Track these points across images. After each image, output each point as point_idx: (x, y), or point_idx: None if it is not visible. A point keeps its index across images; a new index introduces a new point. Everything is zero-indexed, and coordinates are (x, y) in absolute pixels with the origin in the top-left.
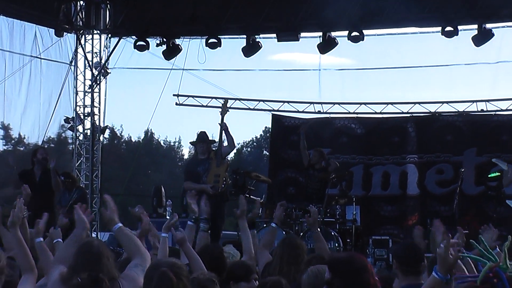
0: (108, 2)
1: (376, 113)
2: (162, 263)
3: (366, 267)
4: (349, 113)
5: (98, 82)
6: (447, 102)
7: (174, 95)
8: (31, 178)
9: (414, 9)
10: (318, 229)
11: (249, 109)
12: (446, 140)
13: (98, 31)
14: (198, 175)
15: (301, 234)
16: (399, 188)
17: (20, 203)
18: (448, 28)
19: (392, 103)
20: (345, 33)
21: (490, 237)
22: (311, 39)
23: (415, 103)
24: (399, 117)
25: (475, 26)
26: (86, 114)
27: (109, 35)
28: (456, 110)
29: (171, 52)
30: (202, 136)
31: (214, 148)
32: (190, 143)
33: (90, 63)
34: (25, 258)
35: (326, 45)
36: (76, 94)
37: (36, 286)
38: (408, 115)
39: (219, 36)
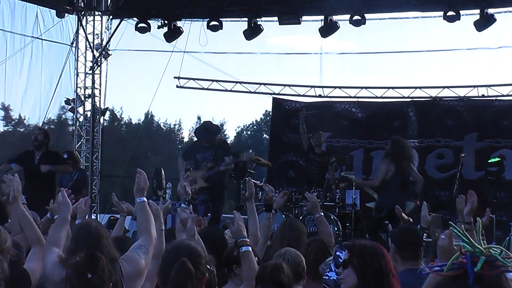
0: None
1: (377, 97)
2: (182, 248)
3: (384, 253)
4: (350, 97)
5: (99, 63)
6: (448, 87)
7: (175, 77)
8: (31, 160)
9: None
10: (321, 213)
11: (250, 92)
12: (447, 125)
13: (100, 13)
14: (196, 161)
15: (301, 217)
16: None
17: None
18: (450, 13)
19: (393, 88)
20: (347, 17)
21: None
22: (312, 22)
23: (416, 87)
24: (400, 101)
25: (477, 11)
26: (86, 95)
27: (111, 17)
28: (457, 95)
29: (173, 34)
30: (206, 125)
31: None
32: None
33: (91, 44)
34: (32, 231)
35: (328, 29)
36: (77, 75)
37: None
38: (409, 99)
39: (220, 19)
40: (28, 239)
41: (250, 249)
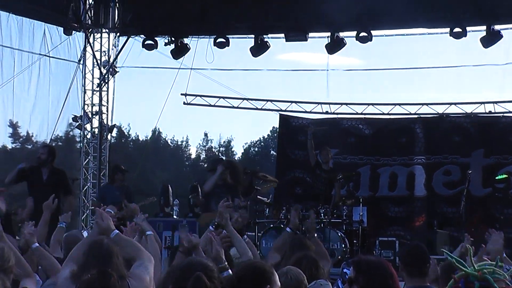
0: (117, 0)
1: (383, 114)
2: (195, 264)
3: (391, 272)
4: (357, 113)
5: (106, 80)
6: (455, 104)
7: (182, 94)
8: (38, 177)
9: (423, 10)
10: (315, 235)
11: (257, 109)
12: (454, 142)
13: (107, 30)
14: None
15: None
16: (406, 189)
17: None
18: (457, 29)
19: (400, 104)
20: (353, 33)
21: (496, 240)
22: (319, 39)
23: (423, 104)
24: (406, 118)
25: (484, 27)
26: (94, 112)
27: (118, 34)
28: (464, 112)
29: (180, 51)
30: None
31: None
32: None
33: (99, 61)
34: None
35: (334, 45)
36: (84, 92)
37: (44, 286)
38: (416, 116)
39: (227, 36)
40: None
41: (231, 272)
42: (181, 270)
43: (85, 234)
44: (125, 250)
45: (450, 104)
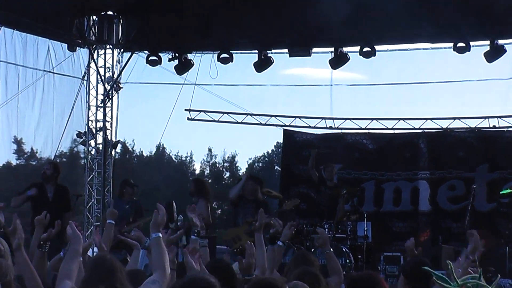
0: (121, 17)
1: (387, 128)
2: (198, 280)
3: (382, 286)
4: (361, 128)
5: (110, 96)
6: (459, 118)
7: (185, 110)
8: (43, 194)
9: (426, 25)
10: (330, 249)
11: (261, 124)
12: (458, 156)
13: (111, 46)
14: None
15: (312, 250)
16: (411, 204)
17: (18, 222)
18: (460, 44)
19: (404, 119)
20: (357, 48)
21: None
22: (322, 54)
23: (427, 119)
24: (410, 133)
25: (487, 42)
26: (98, 128)
27: (122, 50)
28: (468, 126)
29: (183, 67)
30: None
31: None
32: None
33: (103, 77)
34: (32, 279)
35: (338, 61)
36: (89, 108)
37: None
38: (420, 131)
39: (231, 51)
40: (27, 287)
41: None
42: (184, 286)
43: (90, 252)
44: (152, 256)
45: (454, 118)
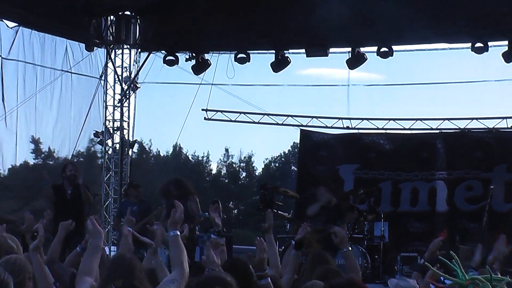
0: (138, 17)
1: (405, 129)
2: (214, 279)
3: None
4: (378, 128)
5: (127, 96)
6: (476, 119)
7: (202, 109)
8: (62, 194)
9: (444, 25)
10: (349, 248)
11: (278, 124)
12: (476, 157)
13: (128, 46)
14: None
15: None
16: (428, 205)
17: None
18: (478, 44)
19: (421, 119)
20: (374, 48)
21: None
22: (340, 54)
23: (444, 119)
24: (428, 133)
25: (506, 42)
26: (115, 128)
27: (139, 50)
28: (486, 127)
29: (200, 67)
30: None
31: None
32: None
33: (120, 77)
34: (44, 281)
35: (355, 61)
36: (106, 108)
37: None
38: (437, 131)
39: (248, 51)
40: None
41: (269, 281)
42: (200, 285)
43: (106, 250)
44: (171, 254)
45: (472, 119)
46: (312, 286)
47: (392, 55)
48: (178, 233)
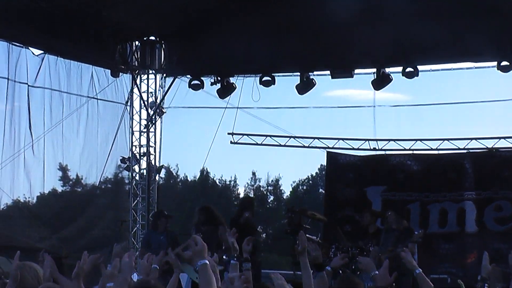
0: (163, 42)
1: (432, 149)
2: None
3: None
4: (405, 149)
5: (153, 121)
6: (504, 138)
7: (228, 133)
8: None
9: (469, 44)
10: (420, 269)
11: (304, 146)
12: (504, 176)
13: (153, 71)
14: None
15: (358, 273)
16: (457, 225)
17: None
18: (504, 63)
19: (448, 139)
20: (400, 69)
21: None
22: (365, 75)
23: (471, 139)
24: (455, 153)
25: None
26: (142, 154)
27: (164, 75)
28: None
29: (226, 90)
30: None
31: None
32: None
33: (146, 103)
34: None
35: (381, 81)
36: (132, 134)
37: None
38: (465, 151)
39: (273, 74)
40: None
41: None
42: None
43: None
44: (200, 283)
45: (499, 138)
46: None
47: (417, 75)
48: (207, 261)
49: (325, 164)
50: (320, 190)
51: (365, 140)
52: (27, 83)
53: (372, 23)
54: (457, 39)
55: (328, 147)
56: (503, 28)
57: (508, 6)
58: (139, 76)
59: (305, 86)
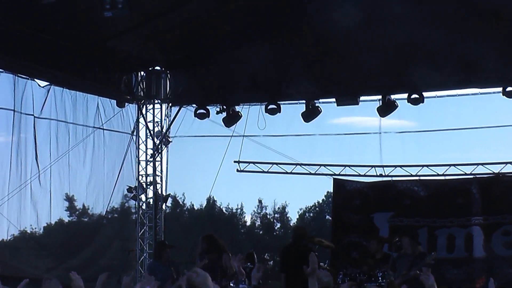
0: (168, 71)
1: (438, 175)
2: None
3: None
4: (411, 175)
5: (159, 151)
6: (510, 163)
7: (235, 161)
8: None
9: (474, 70)
10: None
11: (310, 174)
12: (511, 201)
13: (159, 101)
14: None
15: None
16: (465, 251)
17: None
18: (509, 88)
19: (454, 165)
20: (405, 95)
21: None
22: (370, 102)
23: (478, 164)
24: (462, 178)
25: None
26: (148, 183)
27: (170, 104)
28: None
29: (231, 119)
30: None
31: None
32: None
33: (152, 132)
34: None
35: (386, 108)
36: (138, 163)
37: None
38: (472, 176)
39: (278, 102)
40: None
41: None
42: None
43: None
44: None
45: (506, 163)
46: None
47: (423, 102)
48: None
49: (332, 191)
50: (327, 217)
51: (372, 166)
52: (33, 115)
53: (377, 50)
54: (462, 65)
55: (335, 174)
56: (508, 54)
57: None
58: (144, 106)
59: (310, 114)
